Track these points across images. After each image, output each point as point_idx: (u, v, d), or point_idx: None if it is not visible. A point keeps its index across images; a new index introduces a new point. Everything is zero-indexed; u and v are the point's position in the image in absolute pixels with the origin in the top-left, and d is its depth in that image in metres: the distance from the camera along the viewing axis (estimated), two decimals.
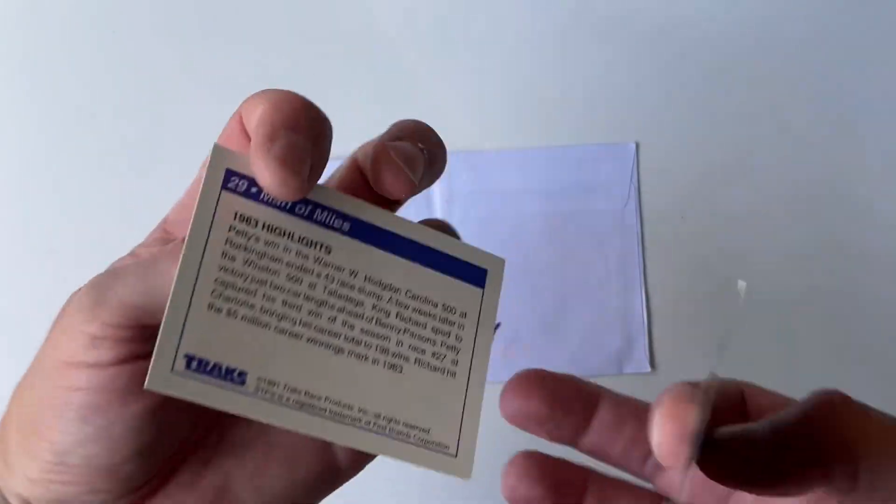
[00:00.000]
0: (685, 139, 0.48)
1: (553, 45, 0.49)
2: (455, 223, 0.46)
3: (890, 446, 0.21)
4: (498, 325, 0.47)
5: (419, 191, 0.26)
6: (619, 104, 0.48)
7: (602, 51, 0.48)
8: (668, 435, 0.21)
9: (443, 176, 0.47)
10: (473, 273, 0.27)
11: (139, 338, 0.23)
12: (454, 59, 0.48)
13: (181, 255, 0.22)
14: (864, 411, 0.22)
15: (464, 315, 0.26)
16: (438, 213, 0.48)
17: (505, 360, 0.47)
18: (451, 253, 0.26)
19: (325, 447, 0.27)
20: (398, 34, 0.49)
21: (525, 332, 0.47)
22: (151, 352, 0.22)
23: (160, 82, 0.48)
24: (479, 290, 0.27)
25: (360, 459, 0.28)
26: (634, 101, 0.48)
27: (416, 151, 0.25)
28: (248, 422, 0.27)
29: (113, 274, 0.24)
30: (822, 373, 0.48)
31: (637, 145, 0.47)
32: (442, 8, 0.49)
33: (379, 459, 0.27)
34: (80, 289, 0.24)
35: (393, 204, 0.27)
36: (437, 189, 0.48)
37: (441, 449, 0.25)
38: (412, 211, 0.39)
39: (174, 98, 0.48)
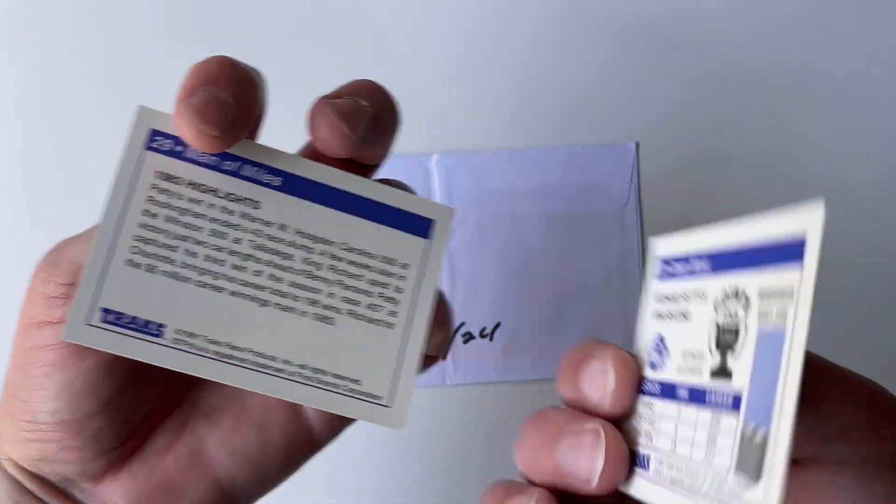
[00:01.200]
0: (685, 139, 0.48)
1: (553, 44, 0.49)
2: (455, 223, 0.44)
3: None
4: (498, 325, 0.46)
5: (367, 150, 0.26)
6: (619, 104, 0.48)
7: (602, 51, 0.48)
8: (621, 380, 0.24)
9: (442, 176, 0.47)
10: (418, 224, 0.27)
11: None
12: (454, 58, 0.48)
13: (104, 207, 0.23)
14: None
15: (405, 266, 0.26)
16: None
17: (505, 359, 0.46)
18: (393, 204, 0.26)
19: (296, 412, 0.28)
20: (397, 34, 0.48)
21: (525, 332, 0.46)
22: None
23: (160, 82, 0.47)
24: (423, 241, 0.27)
25: (334, 425, 0.29)
26: (634, 101, 0.48)
27: (356, 107, 0.25)
28: (220, 387, 0.28)
29: (68, 239, 0.25)
30: None
31: (637, 145, 0.47)
32: (442, 7, 0.49)
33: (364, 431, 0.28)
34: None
35: (370, 168, 0.27)
36: (436, 189, 0.47)
37: (373, 399, 0.25)
38: None
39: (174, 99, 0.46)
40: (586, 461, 0.23)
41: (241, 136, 0.24)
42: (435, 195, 0.47)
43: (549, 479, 0.24)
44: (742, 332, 0.20)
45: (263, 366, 0.24)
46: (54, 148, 0.47)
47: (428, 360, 0.27)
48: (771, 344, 0.19)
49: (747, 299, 0.20)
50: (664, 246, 0.26)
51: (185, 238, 0.24)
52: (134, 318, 0.23)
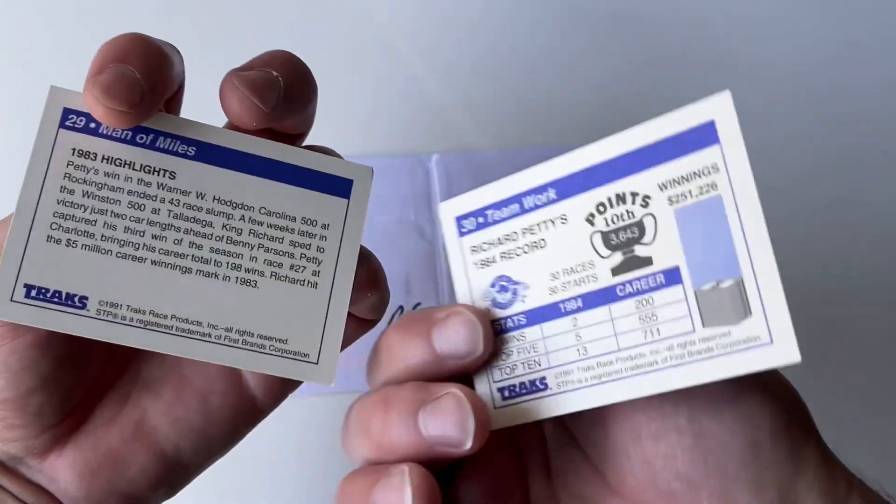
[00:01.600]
0: None
1: (554, 45, 0.47)
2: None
3: None
4: None
5: (282, 121, 0.26)
6: (618, 104, 0.47)
7: (602, 51, 0.47)
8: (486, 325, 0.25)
9: (442, 176, 0.46)
10: (336, 184, 0.27)
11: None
12: (454, 58, 0.46)
13: (21, 187, 0.24)
14: None
15: (325, 227, 0.27)
16: (438, 213, 0.44)
17: None
18: (310, 167, 0.27)
19: (237, 380, 0.28)
20: (398, 34, 0.45)
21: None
22: None
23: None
24: (343, 201, 0.27)
25: (275, 391, 0.29)
26: (634, 101, 0.47)
27: (266, 79, 0.25)
28: (159, 358, 0.28)
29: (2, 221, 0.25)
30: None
31: None
32: (442, 8, 0.46)
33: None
34: None
35: (295, 137, 0.27)
36: (437, 189, 0.45)
37: (301, 357, 0.26)
38: (412, 209, 0.43)
39: None
40: (454, 428, 0.23)
41: (153, 111, 0.24)
42: (435, 195, 0.46)
43: (408, 455, 0.24)
44: (647, 223, 0.23)
45: (189, 331, 0.25)
46: None
47: (365, 325, 0.28)
48: (704, 213, 0.22)
49: (643, 196, 0.23)
50: (460, 205, 0.27)
51: (103, 212, 0.24)
52: (57, 291, 0.24)
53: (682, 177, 0.23)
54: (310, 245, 0.26)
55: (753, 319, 0.21)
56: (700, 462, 0.23)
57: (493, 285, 0.26)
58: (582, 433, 0.26)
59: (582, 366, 0.23)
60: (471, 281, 0.26)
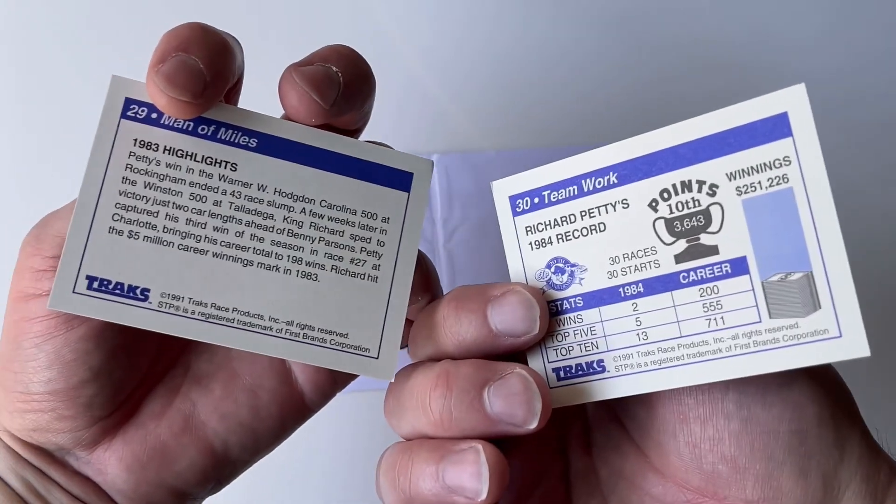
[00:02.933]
0: None
1: (554, 45, 0.46)
2: (455, 223, 0.46)
3: None
4: None
5: (340, 117, 0.26)
6: (618, 104, 0.46)
7: (602, 51, 0.47)
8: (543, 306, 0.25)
9: (442, 176, 0.46)
10: (397, 177, 0.27)
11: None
12: (454, 59, 0.45)
13: (83, 179, 0.23)
14: None
15: (386, 220, 0.26)
16: (438, 213, 0.47)
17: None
18: (371, 159, 0.26)
19: (287, 376, 0.28)
20: (398, 34, 0.45)
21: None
22: None
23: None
24: (404, 195, 0.27)
25: (324, 389, 0.29)
26: (634, 102, 0.47)
27: (326, 73, 0.24)
28: (210, 352, 0.28)
29: (53, 213, 0.25)
30: None
31: None
32: (442, 8, 0.45)
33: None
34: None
35: (351, 133, 0.27)
36: (437, 189, 0.45)
37: (361, 352, 0.25)
38: None
39: None
40: (521, 406, 0.23)
41: (214, 101, 0.24)
42: (435, 195, 0.46)
43: (472, 432, 0.24)
44: (714, 212, 0.23)
45: (250, 324, 0.24)
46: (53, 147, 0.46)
47: (409, 326, 0.27)
48: (773, 205, 0.22)
49: (710, 185, 0.23)
50: (515, 184, 0.27)
51: (165, 203, 0.24)
52: (119, 283, 0.24)
53: (752, 167, 0.23)
54: (370, 238, 0.26)
55: (822, 312, 0.21)
56: (746, 446, 0.24)
57: (548, 266, 0.26)
58: (626, 411, 0.27)
59: (642, 350, 0.24)
60: (525, 261, 0.26)
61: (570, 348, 0.25)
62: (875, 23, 0.51)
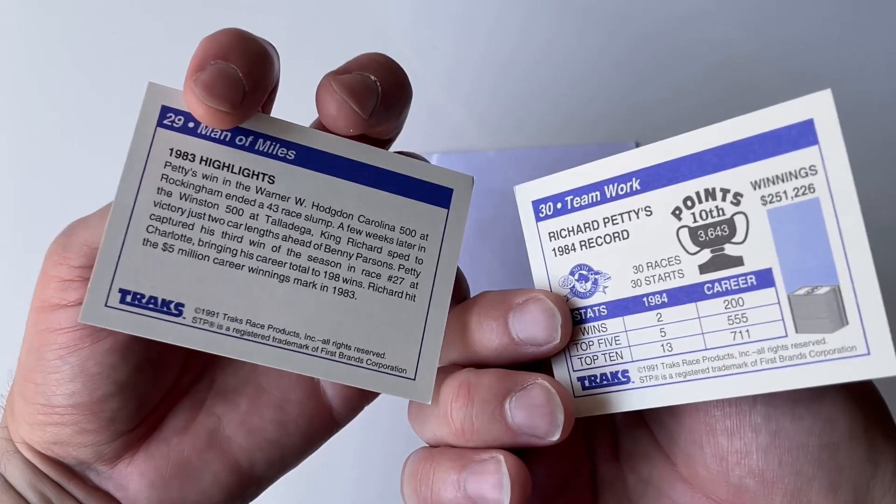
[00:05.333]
0: None
1: (553, 45, 0.46)
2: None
3: None
4: None
5: (379, 126, 0.25)
6: (618, 104, 0.46)
7: (602, 50, 0.47)
8: (565, 313, 0.25)
9: None
10: (437, 193, 0.26)
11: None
12: (454, 59, 0.45)
13: (117, 187, 0.23)
14: None
15: (425, 237, 0.26)
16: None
17: None
18: (410, 174, 0.26)
19: (315, 390, 0.28)
20: (398, 34, 0.45)
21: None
22: None
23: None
24: (443, 211, 0.26)
25: (353, 403, 0.29)
26: (634, 101, 0.46)
27: (364, 83, 0.24)
28: (236, 367, 0.28)
29: (80, 221, 0.25)
30: None
31: (637, 145, 0.45)
32: (442, 8, 0.45)
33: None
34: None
35: (385, 143, 0.27)
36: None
37: (398, 372, 0.25)
38: None
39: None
40: (543, 419, 0.23)
41: (253, 112, 0.23)
42: None
43: (497, 445, 0.24)
44: (738, 221, 0.23)
45: (286, 342, 0.24)
46: (55, 148, 0.46)
47: None
48: (799, 216, 0.22)
49: (734, 193, 0.23)
50: (538, 188, 0.27)
51: (200, 215, 0.24)
52: (152, 297, 0.23)
53: (777, 176, 0.22)
54: (408, 256, 0.25)
55: (850, 328, 0.21)
56: (775, 460, 0.23)
57: (572, 273, 0.26)
58: (654, 419, 0.27)
59: (667, 362, 0.24)
60: (548, 267, 0.26)
61: (595, 357, 0.25)
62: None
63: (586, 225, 0.25)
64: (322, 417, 0.28)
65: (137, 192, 0.23)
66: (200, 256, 0.23)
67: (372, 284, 0.25)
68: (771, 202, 0.22)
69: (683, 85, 0.49)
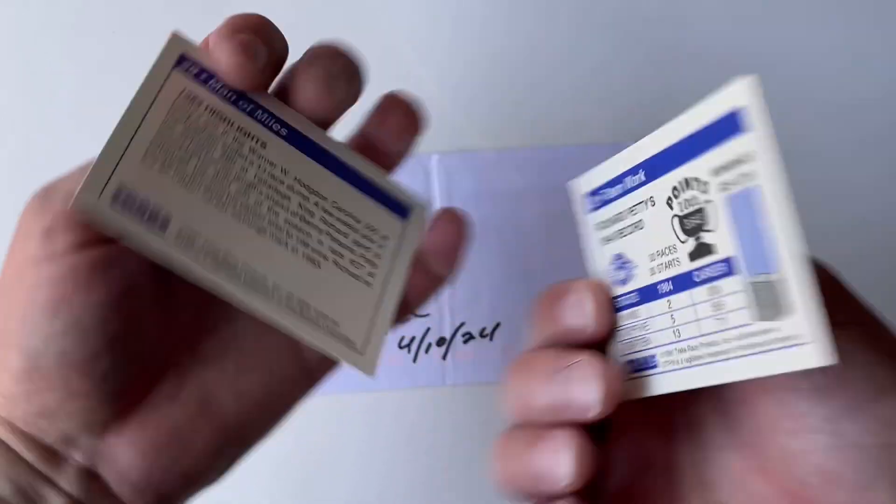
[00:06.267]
0: None
1: (553, 45, 0.48)
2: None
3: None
4: (498, 325, 0.47)
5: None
6: (618, 104, 0.48)
7: (602, 50, 0.48)
8: (598, 300, 0.26)
9: (442, 176, 0.48)
10: (397, 206, 0.30)
11: (90, 224, 0.24)
12: (454, 59, 0.47)
13: (127, 105, 0.24)
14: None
15: (385, 238, 0.29)
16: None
17: (504, 360, 0.46)
18: (378, 183, 0.29)
19: (297, 350, 0.29)
20: (398, 34, 0.47)
21: (525, 332, 0.45)
22: (105, 237, 0.24)
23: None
24: (401, 222, 0.29)
25: (330, 362, 0.29)
26: (634, 101, 0.48)
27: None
28: (221, 332, 0.28)
29: (58, 177, 0.25)
30: None
31: None
32: (442, 8, 0.48)
33: None
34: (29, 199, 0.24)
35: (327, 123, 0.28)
36: (437, 189, 0.47)
37: (348, 343, 0.27)
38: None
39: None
40: (582, 393, 0.25)
41: (267, 84, 0.26)
42: (435, 195, 0.46)
43: (545, 418, 0.26)
44: (709, 209, 0.23)
45: (255, 282, 0.25)
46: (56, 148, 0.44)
47: (437, 281, 0.30)
48: (747, 203, 0.21)
49: (702, 182, 0.23)
50: (587, 182, 0.28)
51: (197, 154, 0.25)
52: (144, 203, 0.24)
53: (727, 163, 0.22)
54: (369, 248, 0.28)
55: (795, 317, 0.20)
56: (837, 460, 0.23)
57: (612, 263, 0.27)
58: (728, 409, 0.27)
59: (678, 347, 0.25)
60: (599, 257, 0.28)
61: (633, 343, 0.27)
62: None
63: (617, 216, 0.27)
64: (302, 375, 0.29)
65: (145, 115, 0.24)
66: (193, 185, 0.25)
67: (336, 262, 0.27)
68: (726, 189, 0.22)
69: (684, 84, 0.48)
